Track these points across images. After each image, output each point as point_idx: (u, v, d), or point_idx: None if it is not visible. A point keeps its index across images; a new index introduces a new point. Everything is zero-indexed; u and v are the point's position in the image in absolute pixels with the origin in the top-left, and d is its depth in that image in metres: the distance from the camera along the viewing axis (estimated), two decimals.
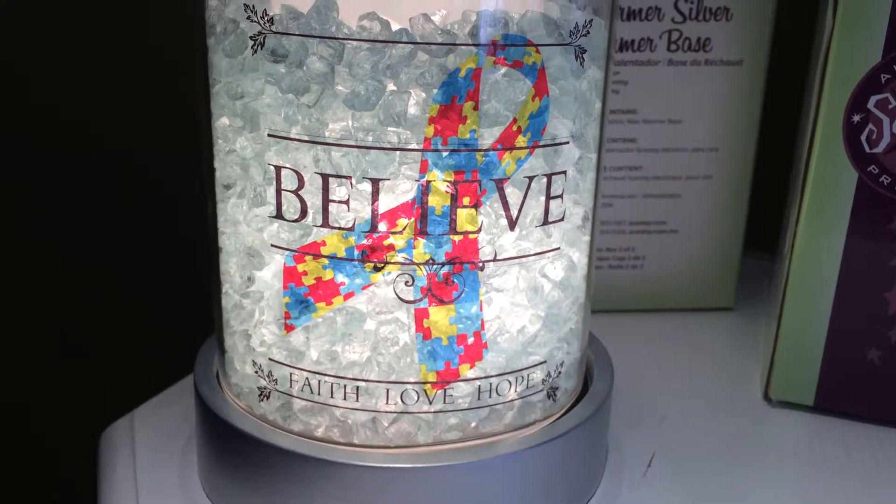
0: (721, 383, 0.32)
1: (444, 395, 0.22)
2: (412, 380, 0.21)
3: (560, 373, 0.24)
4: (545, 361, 0.23)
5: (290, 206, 0.21)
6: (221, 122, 0.22)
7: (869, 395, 0.29)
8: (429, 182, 0.20)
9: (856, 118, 0.26)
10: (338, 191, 0.20)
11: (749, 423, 0.30)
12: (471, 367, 0.22)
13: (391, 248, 0.20)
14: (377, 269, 0.21)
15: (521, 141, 0.20)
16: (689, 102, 0.35)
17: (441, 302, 0.21)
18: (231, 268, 0.23)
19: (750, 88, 0.35)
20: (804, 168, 0.28)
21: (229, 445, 0.23)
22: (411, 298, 0.21)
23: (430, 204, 0.20)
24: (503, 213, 0.21)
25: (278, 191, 0.21)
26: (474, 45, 0.19)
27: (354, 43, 0.19)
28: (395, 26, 0.19)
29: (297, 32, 0.19)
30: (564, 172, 0.21)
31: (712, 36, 0.34)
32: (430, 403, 0.22)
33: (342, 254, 0.20)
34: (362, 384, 0.21)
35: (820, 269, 0.28)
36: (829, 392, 0.29)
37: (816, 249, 0.28)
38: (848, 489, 0.26)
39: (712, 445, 0.28)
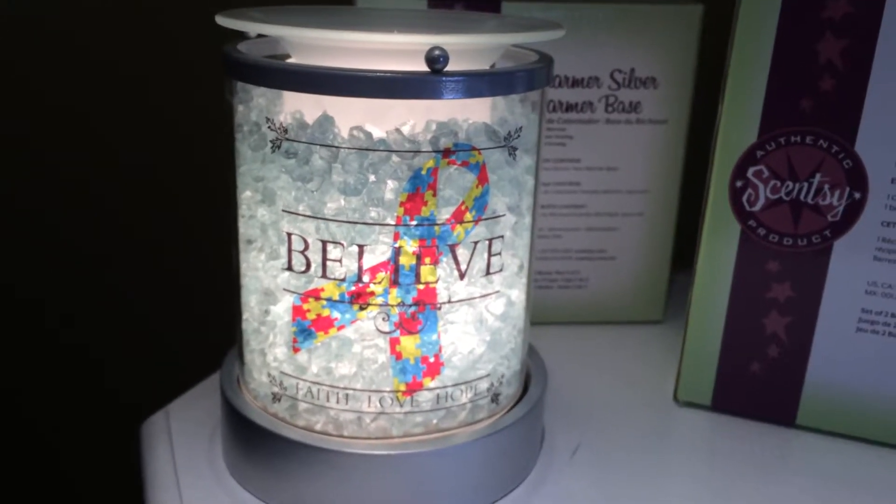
0: (643, 385, 0.39)
1: (412, 401, 0.29)
2: (388, 389, 0.29)
3: (501, 382, 0.31)
4: (489, 374, 0.30)
5: (298, 262, 0.28)
6: (246, 195, 0.29)
7: (753, 398, 0.36)
8: (400, 247, 0.27)
9: (738, 183, 0.34)
10: (333, 252, 0.27)
11: (660, 418, 0.37)
12: (432, 380, 0.29)
13: (372, 293, 0.27)
14: (362, 309, 0.28)
15: (468, 217, 0.27)
16: (623, 153, 0.42)
17: (409, 332, 0.28)
18: (251, 301, 0.30)
19: (674, 143, 0.42)
20: (701, 219, 0.35)
21: (249, 436, 0.30)
22: (387, 330, 0.28)
23: (401, 262, 0.27)
24: (455, 267, 0.28)
25: (289, 250, 0.28)
26: (433, 151, 0.26)
27: (346, 148, 0.26)
28: (376, 135, 0.26)
29: (304, 140, 0.26)
30: (502, 236, 0.29)
31: (642, 100, 0.41)
32: (401, 406, 0.29)
33: (336, 297, 0.28)
34: (350, 392, 0.29)
35: (714, 297, 0.35)
36: (723, 395, 0.37)
37: (711, 283, 0.35)
38: (733, 472, 0.33)
39: (628, 435, 0.35)
